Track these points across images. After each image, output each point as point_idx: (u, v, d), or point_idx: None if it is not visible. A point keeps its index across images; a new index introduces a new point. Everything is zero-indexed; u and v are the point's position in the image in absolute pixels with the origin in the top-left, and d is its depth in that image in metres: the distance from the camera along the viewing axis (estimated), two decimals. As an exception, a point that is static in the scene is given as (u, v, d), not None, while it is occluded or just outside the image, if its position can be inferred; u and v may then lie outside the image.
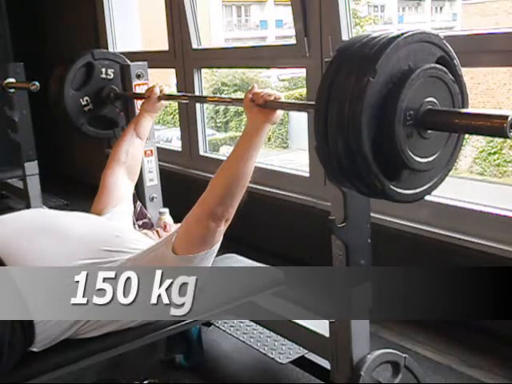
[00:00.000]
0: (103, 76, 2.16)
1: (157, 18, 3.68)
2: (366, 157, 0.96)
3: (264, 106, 1.44)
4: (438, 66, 1.02)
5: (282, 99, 1.44)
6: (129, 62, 2.20)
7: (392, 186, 1.02)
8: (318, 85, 1.02)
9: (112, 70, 2.18)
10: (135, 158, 1.95)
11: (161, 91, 1.96)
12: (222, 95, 2.25)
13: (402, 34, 0.97)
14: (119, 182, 1.86)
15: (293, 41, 2.52)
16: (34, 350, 1.41)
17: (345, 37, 2.29)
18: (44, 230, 1.52)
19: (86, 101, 2.15)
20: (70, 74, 2.10)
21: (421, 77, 0.98)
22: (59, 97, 2.11)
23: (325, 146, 1.01)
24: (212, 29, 15.12)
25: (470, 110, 1.03)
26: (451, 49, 1.06)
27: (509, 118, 0.89)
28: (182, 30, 3.14)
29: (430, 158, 1.05)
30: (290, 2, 2.45)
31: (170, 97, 2.03)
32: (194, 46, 3.12)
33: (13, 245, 1.46)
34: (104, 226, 1.65)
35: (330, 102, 0.98)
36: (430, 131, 1.02)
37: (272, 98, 1.43)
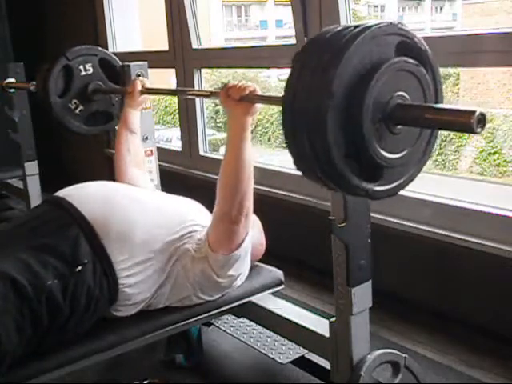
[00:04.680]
0: (83, 73, 2.14)
1: (157, 18, 3.68)
2: (331, 153, 0.94)
3: (240, 100, 1.44)
4: (406, 59, 0.99)
5: (257, 91, 1.44)
6: (119, 61, 2.21)
7: (361, 183, 0.99)
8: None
9: (90, 64, 2.15)
10: (138, 152, 2.01)
11: (142, 86, 1.98)
12: (201, 89, 2.25)
13: (364, 31, 0.94)
14: (135, 178, 1.94)
15: (293, 41, 2.52)
16: (114, 313, 1.53)
17: (345, 37, 2.29)
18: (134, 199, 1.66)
19: (75, 103, 2.13)
20: (51, 84, 2.08)
21: (388, 71, 0.96)
22: (48, 108, 2.10)
23: (292, 143, 0.99)
24: (212, 29, 15.13)
25: (437, 105, 1.01)
26: (407, 30, 1.02)
27: (476, 114, 0.87)
28: (182, 30, 3.14)
29: (401, 154, 1.03)
30: (289, 2, 2.45)
31: (151, 90, 2.04)
32: (194, 46, 3.12)
33: (106, 210, 1.56)
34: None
35: (295, 98, 0.96)
36: (399, 126, 1.00)
37: (247, 92, 1.43)
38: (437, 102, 1.06)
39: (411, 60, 1.00)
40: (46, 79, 2.08)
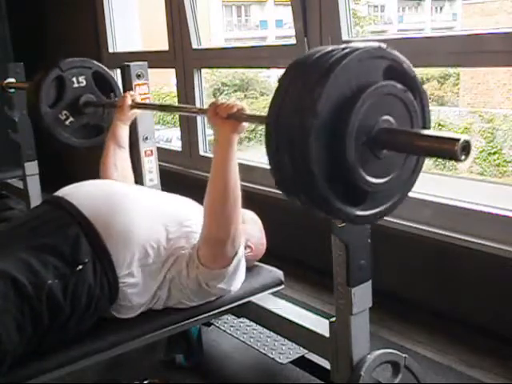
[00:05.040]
0: (76, 85, 2.13)
1: (157, 18, 3.68)
2: (313, 175, 0.92)
3: (228, 118, 1.44)
4: (394, 83, 0.97)
5: (245, 110, 1.44)
6: (113, 76, 2.21)
7: (343, 207, 0.97)
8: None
9: (83, 77, 2.15)
10: (125, 168, 1.99)
11: (132, 100, 1.98)
12: (190, 105, 2.21)
13: (347, 55, 0.93)
14: None
15: (293, 41, 2.52)
16: (114, 313, 1.53)
17: (345, 37, 2.29)
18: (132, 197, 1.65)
19: (65, 115, 2.12)
20: (43, 93, 2.07)
21: (374, 94, 0.94)
22: (38, 118, 2.09)
23: (275, 164, 0.97)
24: (212, 29, 15.15)
25: (422, 131, 0.98)
26: (396, 55, 1.01)
27: (460, 141, 0.86)
28: (182, 30, 3.14)
29: (386, 178, 1.00)
30: (289, 2, 2.45)
31: (140, 105, 2.03)
32: (194, 46, 3.12)
33: (105, 207, 1.56)
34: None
35: (279, 118, 0.95)
36: (384, 151, 0.97)
37: (235, 110, 1.43)
38: (424, 127, 1.04)
39: (399, 85, 0.98)
40: (37, 88, 2.07)
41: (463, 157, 0.86)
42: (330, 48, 0.96)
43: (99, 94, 2.18)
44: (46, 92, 2.08)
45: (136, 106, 1.99)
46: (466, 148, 0.87)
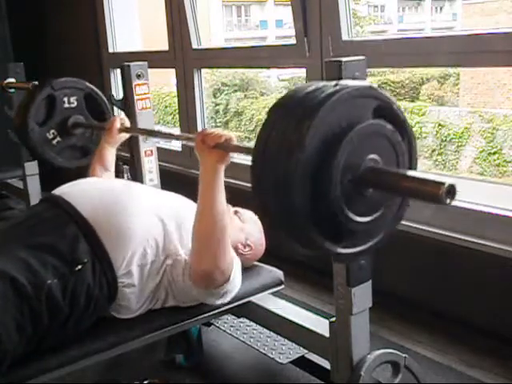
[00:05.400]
0: (66, 106, 2.12)
1: (157, 18, 3.68)
2: (296, 210, 0.91)
3: (215, 147, 1.43)
4: (383, 122, 0.97)
5: (233, 140, 1.44)
6: (105, 99, 2.20)
7: (324, 243, 0.96)
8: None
9: (75, 98, 2.14)
10: None
11: (122, 124, 1.98)
12: (178, 133, 2.17)
13: (337, 92, 0.91)
14: None
15: (293, 41, 2.52)
16: (114, 314, 1.53)
17: (345, 37, 2.29)
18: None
19: (53, 134, 2.11)
20: (32, 110, 2.06)
21: (358, 136, 0.93)
22: (24, 134, 2.08)
23: (259, 196, 0.97)
24: (212, 29, 15.16)
25: (408, 172, 0.97)
26: (386, 96, 0.99)
27: (445, 185, 0.85)
28: (182, 29, 3.14)
29: (371, 217, 0.99)
30: (289, 2, 2.45)
31: (129, 130, 2.03)
32: (194, 46, 3.12)
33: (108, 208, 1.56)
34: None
35: (266, 150, 0.94)
36: (370, 189, 0.96)
37: (223, 140, 1.42)
38: (410, 168, 1.03)
39: (388, 125, 0.97)
40: (27, 105, 2.07)
41: (448, 200, 0.86)
42: (320, 84, 0.95)
43: (89, 116, 2.17)
44: (36, 109, 2.07)
45: (125, 129, 1.99)
46: (451, 192, 0.86)
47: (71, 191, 1.62)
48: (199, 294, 1.56)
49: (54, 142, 2.12)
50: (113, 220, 1.53)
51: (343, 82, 0.95)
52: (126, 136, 2.03)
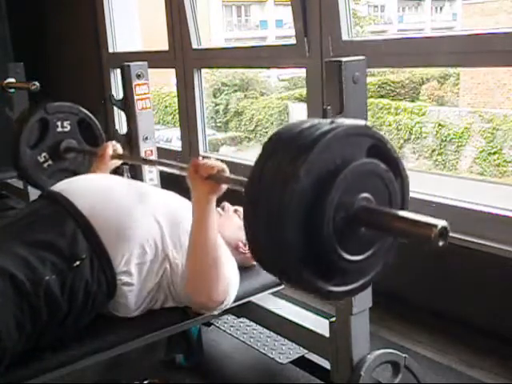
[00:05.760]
0: (59, 130, 2.13)
1: (157, 17, 3.68)
2: (287, 246, 0.90)
3: (207, 178, 1.43)
4: (377, 162, 0.96)
5: (226, 171, 1.44)
6: (99, 125, 2.22)
7: (314, 280, 0.95)
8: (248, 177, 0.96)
9: (68, 122, 2.14)
10: None
11: (114, 150, 1.98)
12: (171, 161, 2.13)
13: (333, 130, 0.91)
14: None
15: (293, 41, 2.52)
16: (113, 312, 1.53)
17: (345, 37, 2.29)
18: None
19: (44, 157, 2.12)
20: (25, 133, 2.07)
21: (352, 174, 0.93)
22: (16, 156, 2.08)
23: (250, 229, 0.97)
24: (212, 29, 15.17)
25: (401, 212, 0.96)
26: (381, 135, 0.99)
27: (437, 228, 0.85)
28: (182, 29, 3.14)
29: (364, 255, 0.98)
30: (289, 2, 2.45)
31: (121, 157, 2.03)
32: (194, 46, 3.12)
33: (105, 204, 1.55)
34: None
35: (260, 184, 0.93)
36: (362, 228, 0.96)
37: (215, 171, 1.43)
38: (403, 209, 1.03)
39: (381, 164, 0.97)
40: (20, 127, 2.07)
41: (441, 243, 0.85)
42: (316, 121, 0.95)
43: (82, 141, 2.18)
44: (29, 132, 2.08)
45: (117, 156, 1.99)
46: (444, 234, 0.85)
47: (70, 188, 1.62)
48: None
49: (45, 165, 2.13)
50: (111, 217, 1.52)
51: (339, 120, 0.95)
52: (117, 163, 2.04)
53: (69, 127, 2.15)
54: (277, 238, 0.91)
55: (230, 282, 1.55)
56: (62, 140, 2.13)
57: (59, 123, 2.13)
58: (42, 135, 2.11)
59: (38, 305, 1.36)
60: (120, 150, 2.03)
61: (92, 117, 2.23)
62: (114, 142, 2.04)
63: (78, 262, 1.43)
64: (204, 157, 1.52)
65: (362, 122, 0.97)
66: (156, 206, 1.63)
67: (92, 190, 1.62)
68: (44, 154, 2.12)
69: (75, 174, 2.16)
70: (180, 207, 1.70)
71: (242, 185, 1.24)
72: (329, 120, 0.95)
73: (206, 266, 1.47)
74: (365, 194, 0.96)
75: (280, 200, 0.89)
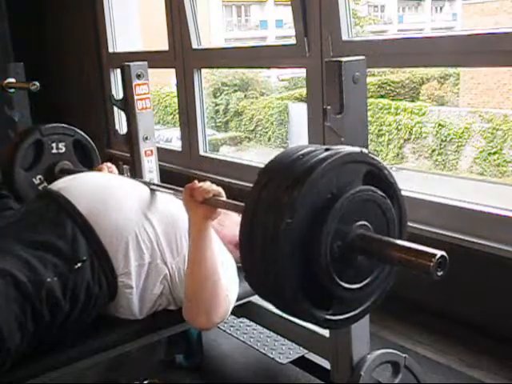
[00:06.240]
0: (54, 151, 2.12)
1: (157, 18, 3.68)
2: (283, 275, 0.90)
3: (203, 202, 1.42)
4: (373, 189, 0.96)
5: (222, 195, 1.42)
6: (94, 146, 2.22)
7: (311, 309, 0.94)
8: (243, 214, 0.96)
9: (63, 144, 2.14)
10: None
11: (110, 172, 1.98)
12: (165, 184, 2.09)
13: (326, 159, 0.90)
14: None
15: (293, 41, 2.52)
16: (116, 314, 1.52)
17: (345, 37, 2.29)
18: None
19: (40, 179, 2.11)
20: (19, 155, 2.06)
21: (348, 202, 0.92)
22: (10, 179, 2.08)
23: (246, 257, 0.96)
24: (212, 29, 15.17)
25: (398, 241, 0.95)
26: (377, 161, 0.99)
27: (436, 257, 0.84)
28: (182, 29, 3.14)
29: (361, 284, 0.98)
30: (289, 2, 2.45)
31: None
32: (194, 46, 3.12)
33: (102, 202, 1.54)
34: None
35: (255, 217, 0.93)
36: (360, 257, 0.95)
37: (210, 195, 1.41)
38: (400, 234, 1.02)
39: (378, 191, 0.97)
40: (14, 150, 2.06)
41: (439, 273, 0.85)
42: (312, 147, 0.95)
43: (77, 162, 2.18)
44: (23, 154, 2.07)
45: None
46: (442, 264, 0.85)
47: (70, 186, 1.61)
48: None
49: (40, 187, 2.12)
50: (110, 218, 1.51)
51: (334, 147, 0.94)
52: None
53: (64, 149, 2.14)
54: (273, 269, 0.90)
55: (230, 298, 1.53)
56: (57, 162, 2.13)
57: (54, 145, 2.12)
58: (37, 157, 2.11)
59: (41, 307, 1.35)
60: (115, 171, 2.03)
61: (87, 138, 2.23)
62: (109, 164, 2.04)
63: (79, 264, 1.42)
64: (200, 180, 1.50)
65: (357, 149, 0.96)
66: (154, 209, 1.62)
67: (91, 189, 1.61)
68: (39, 176, 2.12)
69: None
70: (179, 212, 1.68)
71: (238, 210, 1.23)
72: (324, 147, 0.94)
73: (205, 290, 1.45)
74: (362, 222, 0.95)
75: (275, 231, 0.88)
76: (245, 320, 1.95)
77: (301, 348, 1.76)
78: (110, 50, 3.83)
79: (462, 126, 9.96)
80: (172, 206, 1.70)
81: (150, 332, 1.58)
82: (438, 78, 11.89)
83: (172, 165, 3.23)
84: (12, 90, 2.90)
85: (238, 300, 1.70)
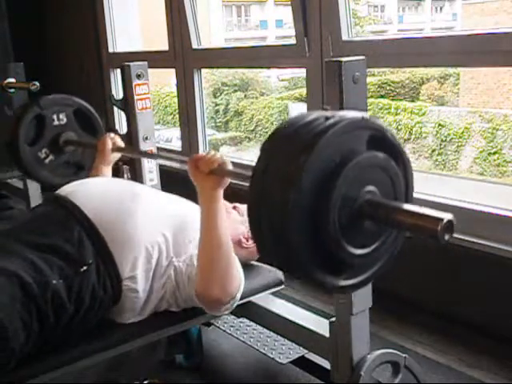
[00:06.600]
0: (56, 123, 2.10)
1: (157, 18, 3.68)
2: (295, 247, 0.90)
3: (210, 173, 1.41)
4: (377, 153, 0.96)
5: (228, 164, 1.41)
6: (95, 113, 2.20)
7: (325, 277, 0.94)
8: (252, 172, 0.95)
9: (64, 114, 2.12)
10: None
11: (113, 143, 1.96)
12: (171, 154, 2.09)
13: (336, 124, 0.90)
14: None
15: (293, 41, 2.52)
16: (117, 318, 1.52)
17: (345, 37, 2.29)
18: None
19: (45, 153, 2.10)
20: (22, 132, 2.05)
21: (357, 166, 0.92)
22: (17, 157, 2.07)
23: (256, 230, 0.95)
24: (212, 29, 15.17)
25: (406, 206, 0.95)
26: (381, 125, 0.98)
27: (443, 221, 0.84)
28: (182, 29, 3.14)
29: (371, 248, 0.98)
30: (289, 2, 2.45)
31: (121, 150, 2.00)
32: (194, 46, 3.12)
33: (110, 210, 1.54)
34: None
35: (263, 189, 0.92)
36: (368, 222, 0.95)
37: (216, 166, 1.40)
38: (407, 197, 1.02)
39: (382, 154, 0.96)
40: (16, 127, 2.05)
41: (446, 237, 0.85)
42: (315, 115, 0.94)
43: (80, 132, 2.16)
44: (25, 130, 2.06)
45: (117, 149, 1.97)
46: (449, 228, 0.85)
47: (77, 191, 1.62)
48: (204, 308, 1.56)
49: (47, 161, 2.11)
50: (117, 222, 1.52)
51: (336, 115, 0.94)
52: (118, 156, 2.01)
53: (65, 119, 2.12)
54: (283, 240, 0.90)
55: (241, 276, 1.53)
56: (60, 133, 2.11)
57: (55, 116, 2.10)
58: (40, 131, 2.09)
59: (46, 308, 1.36)
60: (119, 143, 2.00)
61: (88, 106, 2.20)
62: (112, 135, 2.02)
63: (84, 267, 1.43)
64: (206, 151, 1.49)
65: (359, 114, 0.96)
66: (162, 213, 1.63)
67: (98, 195, 1.61)
68: (44, 150, 2.10)
69: (78, 166, 2.17)
70: (186, 213, 1.68)
71: (245, 178, 1.21)
72: (326, 114, 0.94)
73: (219, 260, 1.45)
74: (369, 187, 0.95)
75: (283, 199, 0.88)
76: (245, 320, 1.95)
77: (301, 348, 1.76)
78: (110, 49, 3.83)
79: (461, 126, 9.97)
80: (180, 208, 1.71)
81: (150, 332, 1.58)
82: (437, 78, 11.90)
83: (172, 165, 3.22)
84: (12, 90, 2.90)
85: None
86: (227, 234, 1.47)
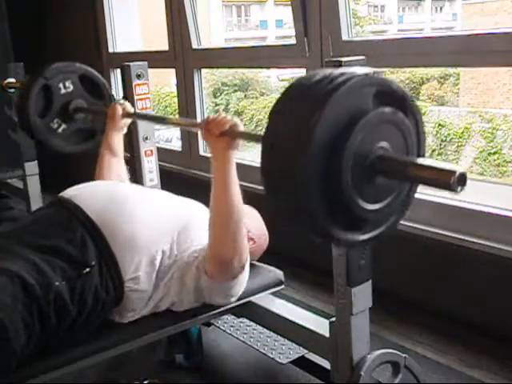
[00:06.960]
0: (63, 91, 2.09)
1: (157, 18, 3.68)
2: (311, 205, 0.91)
3: (221, 135, 1.42)
4: (384, 110, 0.96)
5: (239, 125, 1.43)
6: (101, 77, 2.20)
7: (345, 234, 0.96)
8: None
9: (70, 81, 2.10)
10: (120, 175, 1.97)
11: (123, 109, 1.96)
12: (182, 118, 2.09)
13: (343, 84, 0.91)
14: None
15: (293, 41, 2.52)
16: (118, 318, 1.53)
17: (345, 37, 2.29)
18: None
19: (57, 122, 2.10)
20: (30, 104, 2.04)
21: (366, 125, 0.93)
22: (30, 131, 2.07)
23: (271, 191, 0.96)
24: (212, 29, 15.16)
25: (418, 159, 0.97)
26: (387, 81, 0.99)
27: (456, 174, 0.86)
28: (182, 29, 3.14)
29: (384, 203, 1.00)
30: (289, 2, 2.45)
31: (131, 115, 2.01)
32: (194, 46, 3.12)
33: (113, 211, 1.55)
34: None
35: (274, 147, 0.93)
36: (380, 178, 0.97)
37: (227, 127, 1.42)
38: (419, 150, 1.03)
39: (390, 109, 0.97)
40: (24, 100, 2.04)
41: (459, 188, 0.86)
42: (325, 73, 0.95)
43: (88, 98, 2.15)
44: (34, 103, 2.04)
45: (127, 115, 1.97)
46: (462, 180, 0.86)
47: (80, 194, 1.62)
48: (209, 291, 1.56)
49: (60, 130, 2.10)
50: (121, 224, 1.52)
51: (345, 73, 0.94)
52: (128, 122, 2.01)
53: (72, 86, 2.10)
54: (298, 199, 0.92)
55: (248, 252, 1.55)
56: (69, 101, 2.10)
57: (61, 85, 2.08)
58: (49, 102, 2.08)
59: (48, 309, 1.36)
60: (129, 108, 2.00)
61: (93, 71, 2.19)
62: (122, 101, 2.03)
63: (87, 269, 1.43)
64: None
65: (362, 73, 0.96)
66: (166, 213, 1.63)
67: (101, 196, 1.61)
68: (56, 120, 2.09)
69: (91, 133, 2.17)
70: (190, 213, 1.69)
71: (258, 140, 1.21)
72: (332, 76, 0.94)
73: (231, 220, 1.46)
74: (380, 143, 0.96)
75: (296, 160, 0.89)
76: (245, 320, 1.95)
77: (301, 348, 1.76)
78: (110, 49, 3.83)
79: (461, 126, 9.96)
80: (184, 208, 1.71)
81: (150, 332, 1.58)
82: (438, 78, 11.89)
83: (172, 165, 3.23)
84: (12, 90, 2.90)
85: (237, 300, 1.71)
86: (239, 196, 1.47)
